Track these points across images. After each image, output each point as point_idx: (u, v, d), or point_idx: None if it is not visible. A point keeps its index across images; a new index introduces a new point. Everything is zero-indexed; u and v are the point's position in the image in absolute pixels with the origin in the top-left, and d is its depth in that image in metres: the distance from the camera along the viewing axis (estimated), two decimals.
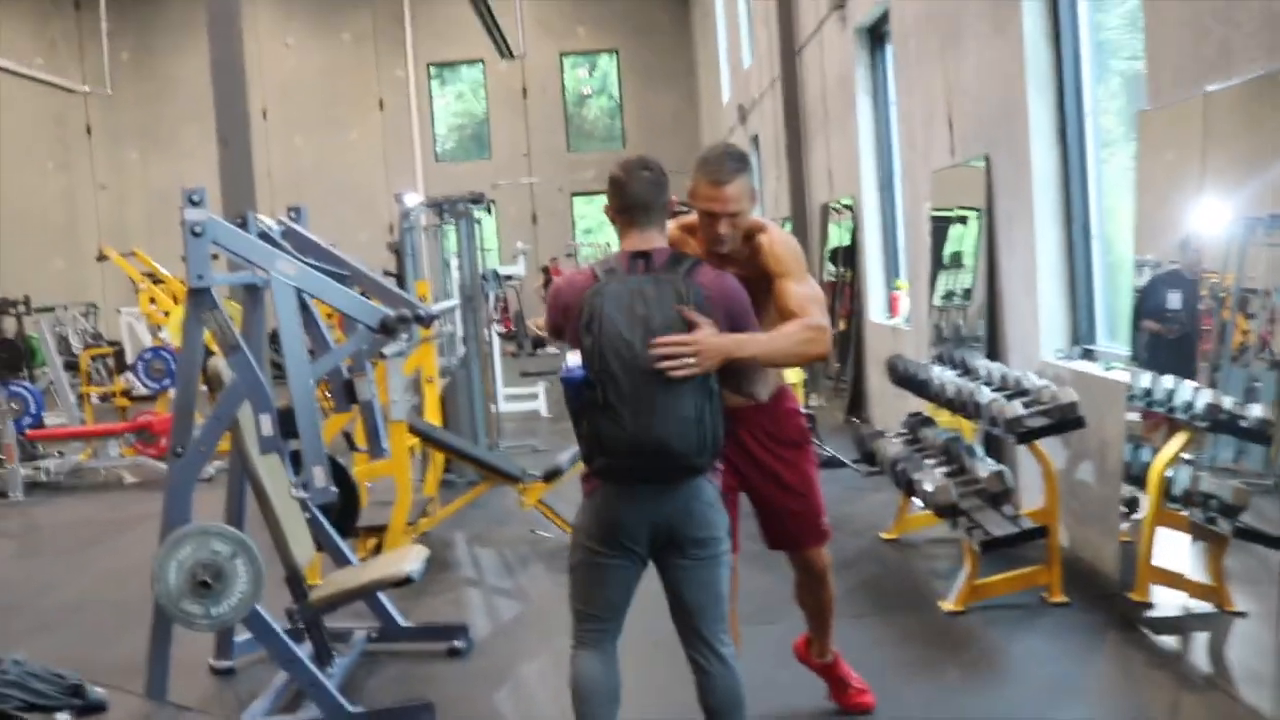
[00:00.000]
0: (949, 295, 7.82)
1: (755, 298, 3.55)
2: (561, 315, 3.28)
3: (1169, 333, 4.94)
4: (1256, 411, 4.24)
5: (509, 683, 4.98)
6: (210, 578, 4.22)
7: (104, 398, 13.70)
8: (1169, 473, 4.68)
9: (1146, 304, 5.05)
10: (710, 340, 3.12)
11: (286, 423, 4.48)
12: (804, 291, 3.66)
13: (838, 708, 4.30)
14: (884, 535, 6.64)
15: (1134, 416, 5.07)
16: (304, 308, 4.91)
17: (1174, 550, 4.76)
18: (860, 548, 6.51)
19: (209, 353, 4.86)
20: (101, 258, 15.75)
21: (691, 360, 3.08)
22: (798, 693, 4.41)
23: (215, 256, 4.60)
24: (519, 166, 26.36)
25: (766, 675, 4.62)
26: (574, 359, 3.15)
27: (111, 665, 5.15)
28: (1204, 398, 4.48)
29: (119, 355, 13.95)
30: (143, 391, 12.54)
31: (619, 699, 3.39)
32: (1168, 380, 4.75)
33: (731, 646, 3.36)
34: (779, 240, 3.78)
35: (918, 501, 5.94)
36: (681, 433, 3.12)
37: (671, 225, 3.82)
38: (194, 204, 4.40)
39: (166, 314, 13.63)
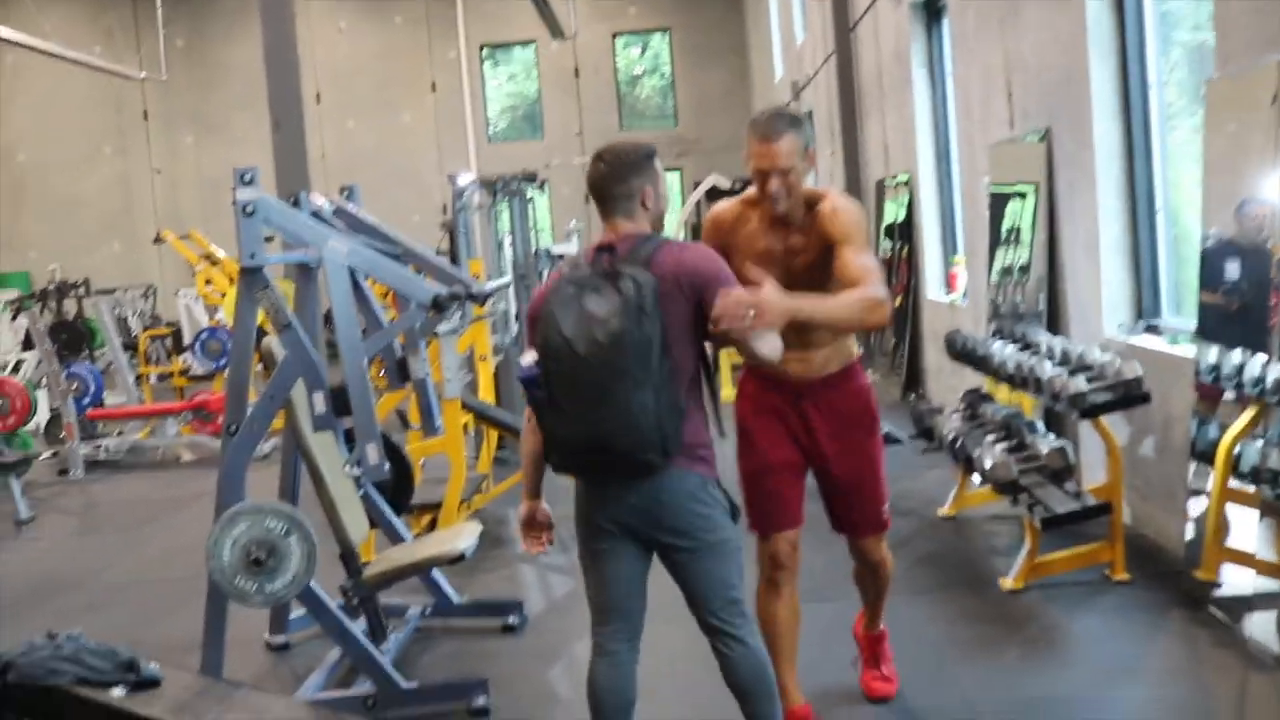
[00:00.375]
0: (1006, 271, 7.70)
1: (817, 269, 3.58)
2: (532, 316, 3.21)
3: (1228, 305, 4.81)
4: None
5: (562, 659, 4.96)
6: (264, 555, 4.22)
7: (162, 377, 13.88)
8: (1237, 449, 4.57)
9: (1203, 275, 4.91)
10: (772, 300, 2.96)
11: (340, 401, 4.48)
12: (865, 261, 3.52)
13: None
14: (942, 512, 6.55)
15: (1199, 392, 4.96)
16: (356, 286, 4.90)
17: (1242, 528, 4.65)
18: (917, 525, 6.43)
19: (264, 333, 4.87)
20: (159, 240, 15.94)
21: (751, 317, 2.91)
22: (847, 671, 4.35)
23: (270, 238, 4.60)
24: (572, 146, 26.30)
25: (815, 655, 4.57)
26: (528, 358, 3.13)
27: (167, 642, 5.20)
28: (1275, 371, 4.35)
29: (176, 336, 14.09)
30: (200, 371, 12.67)
31: (631, 708, 3.35)
32: (1236, 354, 4.63)
33: (747, 625, 3.29)
34: (841, 207, 3.65)
35: (976, 478, 5.85)
36: (625, 431, 3.03)
37: (731, 201, 3.86)
38: (246, 183, 4.39)
39: (223, 295, 13.76)
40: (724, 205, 3.88)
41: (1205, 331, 4.97)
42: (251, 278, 4.44)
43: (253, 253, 4.40)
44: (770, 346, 3.11)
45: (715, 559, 3.23)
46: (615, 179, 3.28)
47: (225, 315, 13.22)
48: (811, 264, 3.64)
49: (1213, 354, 4.81)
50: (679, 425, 3.11)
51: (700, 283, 3.13)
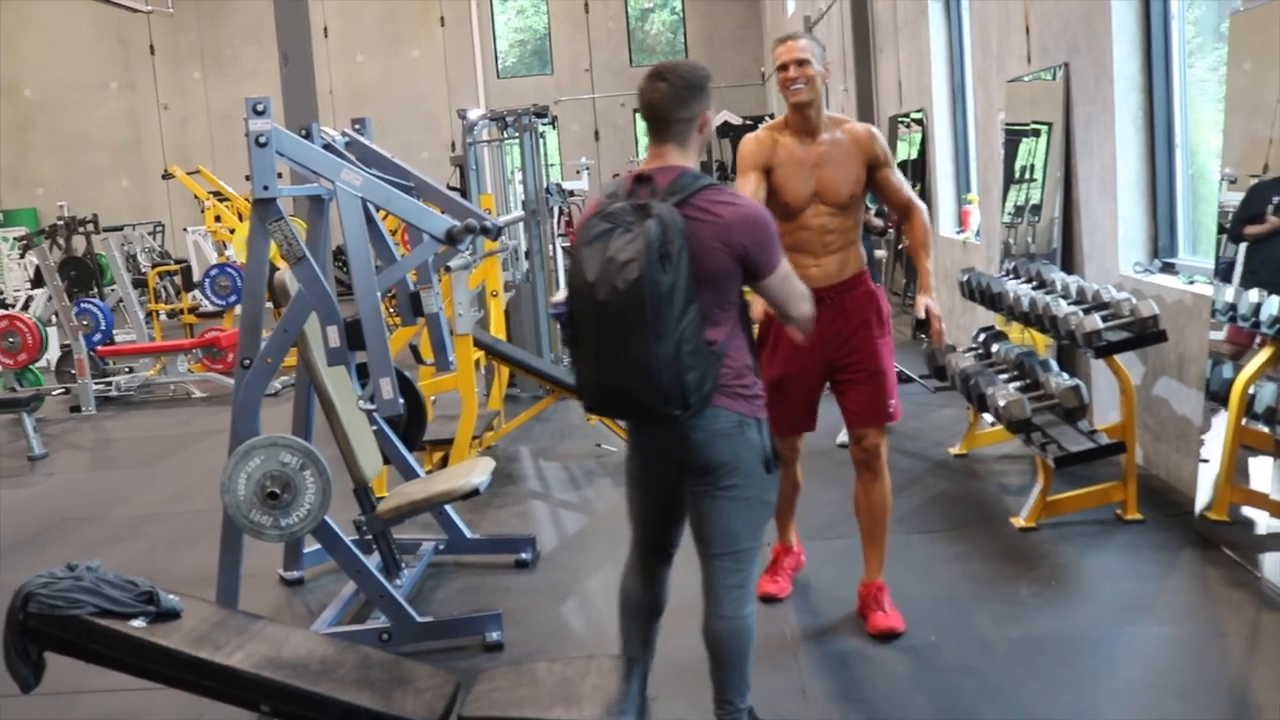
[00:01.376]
0: (1019, 210, 7.64)
1: (840, 175, 4.17)
2: (573, 245, 3.11)
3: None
4: None
5: (575, 594, 4.98)
6: (279, 489, 4.23)
7: (172, 314, 13.86)
8: (1252, 390, 4.55)
9: (1249, 211, 4.78)
10: (937, 309, 4.03)
11: (353, 335, 4.46)
12: (904, 181, 4.36)
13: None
14: (954, 451, 6.55)
15: (1217, 333, 4.93)
16: (370, 220, 4.86)
17: (1256, 469, 4.64)
18: (929, 464, 6.43)
19: (275, 268, 4.84)
20: (167, 176, 15.86)
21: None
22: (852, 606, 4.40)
23: (280, 175, 4.56)
24: (581, 82, 26.09)
25: (826, 588, 4.63)
26: (561, 294, 3.13)
27: (183, 575, 5.23)
28: None
29: (186, 273, 14.04)
30: (210, 308, 12.66)
31: (657, 615, 3.43)
32: (1253, 294, 4.60)
33: (741, 594, 3.21)
34: (878, 133, 4.32)
35: (988, 417, 5.84)
36: (643, 384, 2.94)
37: (760, 129, 4.34)
38: (258, 114, 4.34)
39: (232, 231, 13.72)
40: (756, 133, 4.35)
41: (1222, 270, 4.91)
42: (265, 209, 4.40)
43: (266, 184, 4.36)
44: (809, 306, 3.24)
45: (729, 507, 3.14)
46: (678, 101, 3.10)
47: (235, 252, 13.18)
48: (836, 171, 4.17)
49: (1229, 293, 4.78)
50: (708, 371, 2.99)
51: (754, 251, 3.04)
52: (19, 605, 3.08)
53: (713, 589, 3.21)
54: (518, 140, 9.65)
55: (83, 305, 11.43)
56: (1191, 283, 5.60)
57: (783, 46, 4.16)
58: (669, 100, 3.09)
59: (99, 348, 11.07)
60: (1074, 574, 4.77)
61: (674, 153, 3.12)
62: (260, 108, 4.33)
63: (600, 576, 5.13)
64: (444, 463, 6.36)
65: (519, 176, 9.76)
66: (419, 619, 4.39)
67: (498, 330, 7.76)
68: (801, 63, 4.08)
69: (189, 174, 15.37)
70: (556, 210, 10.10)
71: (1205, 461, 4.94)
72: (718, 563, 3.19)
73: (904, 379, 8.48)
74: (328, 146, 4.91)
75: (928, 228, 4.36)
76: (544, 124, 9.59)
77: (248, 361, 4.50)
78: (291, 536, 4.40)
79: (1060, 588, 4.63)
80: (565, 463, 7.16)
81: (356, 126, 5.43)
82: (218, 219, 14.01)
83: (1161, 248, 6.13)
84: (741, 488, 3.13)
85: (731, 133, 16.62)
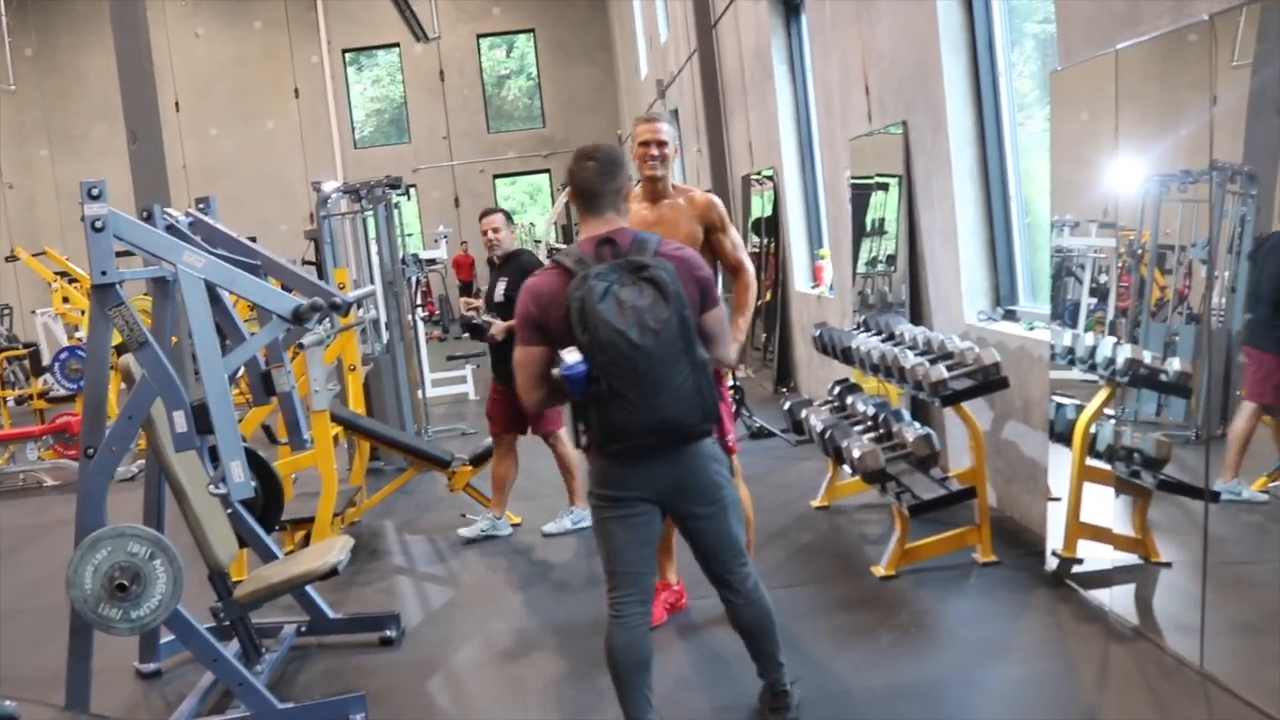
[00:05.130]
0: (872, 262, 7.83)
1: (676, 230, 4.67)
2: (541, 314, 3.44)
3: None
4: (1175, 365, 4.27)
5: (441, 670, 4.91)
6: (128, 580, 4.11)
7: (20, 400, 13.40)
8: (1093, 429, 4.71)
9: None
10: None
11: (201, 418, 4.37)
12: (739, 241, 4.98)
13: None
14: (815, 503, 6.64)
15: (1056, 374, 5.10)
16: (216, 300, 4.78)
17: (1101, 505, 4.79)
18: (792, 516, 6.52)
19: (123, 350, 4.73)
20: (12, 258, 15.39)
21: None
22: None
23: (127, 253, 4.47)
24: (440, 150, 26.13)
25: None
26: (571, 356, 3.29)
27: (32, 676, 5.04)
28: (1124, 353, 4.50)
29: (35, 356, 13.62)
30: (61, 392, 12.27)
31: (649, 666, 3.63)
32: (1089, 337, 4.78)
33: (750, 574, 3.70)
34: (717, 201, 4.96)
35: (847, 468, 5.94)
36: (687, 407, 3.37)
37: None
38: (93, 198, 4.26)
39: (82, 312, 13.34)
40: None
41: (1059, 315, 5.10)
42: (104, 295, 4.31)
43: (104, 269, 4.27)
44: (736, 350, 3.94)
45: (726, 519, 3.61)
46: (608, 176, 3.56)
47: (85, 334, 12.82)
48: (671, 229, 4.63)
49: (1067, 337, 4.96)
50: (714, 392, 3.48)
51: (706, 286, 3.56)
52: None
53: (732, 585, 3.68)
54: (373, 211, 9.60)
55: None
56: (1032, 329, 5.79)
57: (646, 126, 4.76)
58: (599, 176, 3.55)
59: None
60: (933, 619, 4.86)
61: (616, 218, 3.57)
62: (95, 192, 4.24)
63: (467, 650, 5.08)
64: (306, 542, 6.24)
65: (374, 248, 9.70)
66: (279, 706, 4.29)
67: (357, 404, 7.67)
68: (661, 143, 4.73)
69: (36, 255, 14.94)
70: (414, 280, 10.05)
71: (1055, 500, 5.10)
72: (732, 564, 3.67)
73: (765, 433, 8.60)
74: (170, 228, 4.82)
75: (750, 287, 4.93)
76: (398, 194, 9.56)
77: (91, 450, 4.39)
78: (143, 629, 4.27)
79: (920, 634, 4.71)
80: (430, 535, 7.08)
81: (201, 206, 5.35)
82: (65, 300, 13.62)
83: (1003, 295, 6.33)
84: (728, 491, 3.62)
85: None
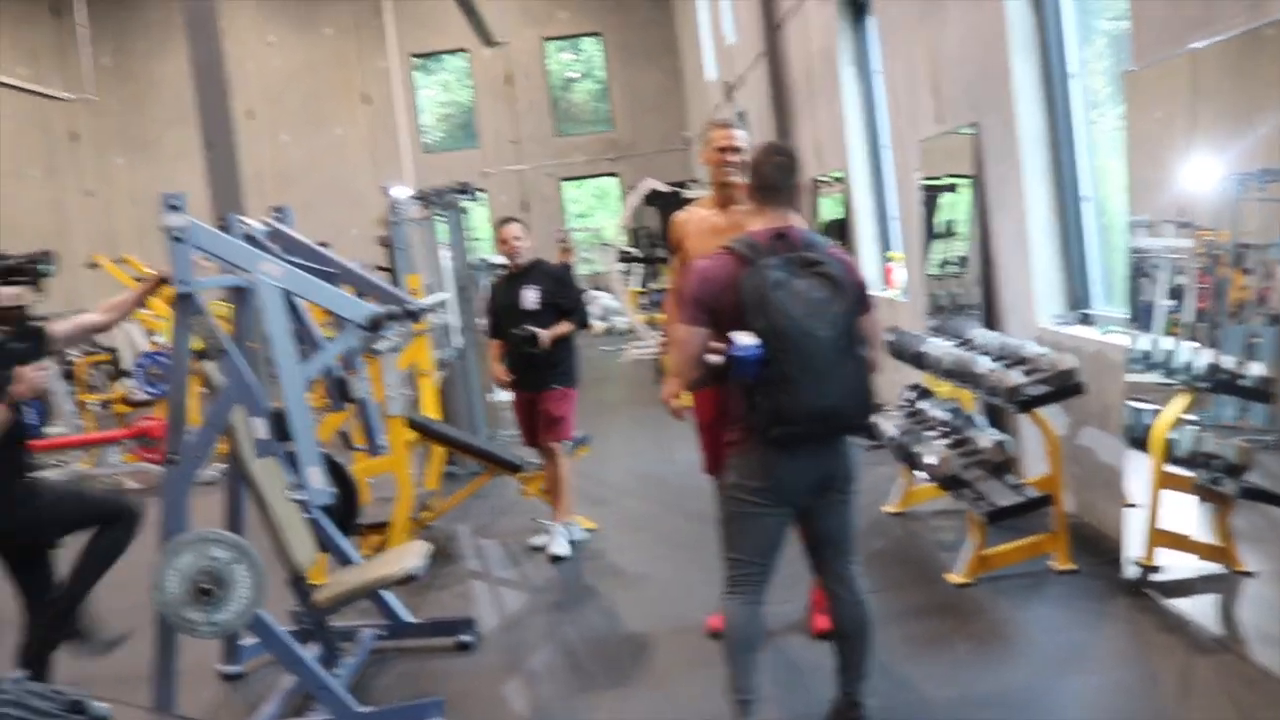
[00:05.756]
0: (944, 264, 7.77)
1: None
2: (711, 296, 3.53)
3: None
4: (1256, 369, 4.20)
5: (518, 675, 4.95)
6: (211, 584, 4.19)
7: (104, 404, 13.66)
8: (1172, 435, 4.65)
9: None
10: None
11: (281, 424, 4.44)
12: None
13: None
14: (888, 509, 6.61)
15: (1133, 378, 5.03)
16: (293, 308, 4.86)
17: (1181, 513, 4.73)
18: (865, 522, 6.44)
19: (203, 355, 4.83)
20: (93, 265, 15.70)
21: None
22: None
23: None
24: (508, 154, 26.28)
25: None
26: (745, 339, 3.36)
27: (118, 676, 5.12)
28: (1204, 358, 4.43)
29: (116, 361, 13.86)
30: (142, 397, 12.49)
31: (761, 643, 3.75)
32: (1167, 342, 4.71)
33: (860, 573, 3.80)
34: None
35: (920, 474, 5.91)
36: (853, 399, 3.52)
37: (688, 208, 4.94)
38: (174, 209, 4.35)
39: (162, 318, 13.57)
40: (686, 211, 4.98)
41: (1137, 319, 5.03)
42: (184, 304, 4.41)
43: (184, 279, 4.37)
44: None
45: (851, 510, 3.76)
46: (790, 173, 3.72)
47: (165, 339, 13.05)
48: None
49: (1144, 341, 4.89)
50: (873, 388, 3.62)
51: (862, 286, 3.65)
52: None
53: (845, 580, 3.78)
54: (444, 216, 9.68)
55: None
56: (1108, 332, 5.72)
57: (722, 133, 4.79)
58: (782, 172, 3.71)
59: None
60: (1010, 628, 4.82)
61: (793, 214, 3.74)
62: (176, 203, 4.33)
63: (542, 654, 5.12)
64: (382, 547, 6.31)
65: (446, 253, 9.78)
66: (358, 709, 4.35)
67: (430, 409, 7.74)
68: (737, 149, 4.73)
69: (115, 261, 15.22)
70: (485, 285, 10.12)
71: (1132, 507, 5.03)
72: (848, 558, 3.78)
73: None
74: (248, 237, 4.91)
75: None
76: (467, 199, 9.63)
77: (175, 456, 4.47)
78: (225, 632, 4.36)
79: (998, 643, 4.68)
80: (504, 540, 7.13)
81: (276, 215, 5.43)
82: (144, 305, 13.85)
83: (1078, 299, 6.26)
84: (858, 484, 3.75)
85: (659, 201, 16.68)
